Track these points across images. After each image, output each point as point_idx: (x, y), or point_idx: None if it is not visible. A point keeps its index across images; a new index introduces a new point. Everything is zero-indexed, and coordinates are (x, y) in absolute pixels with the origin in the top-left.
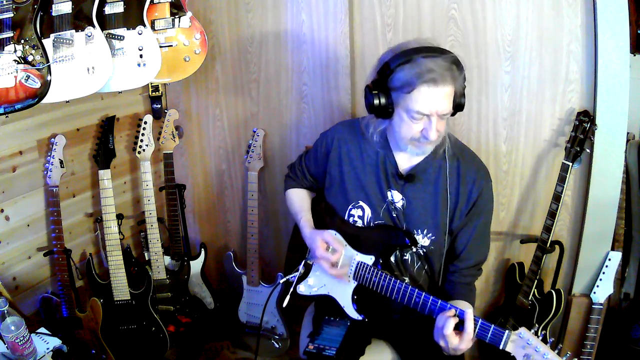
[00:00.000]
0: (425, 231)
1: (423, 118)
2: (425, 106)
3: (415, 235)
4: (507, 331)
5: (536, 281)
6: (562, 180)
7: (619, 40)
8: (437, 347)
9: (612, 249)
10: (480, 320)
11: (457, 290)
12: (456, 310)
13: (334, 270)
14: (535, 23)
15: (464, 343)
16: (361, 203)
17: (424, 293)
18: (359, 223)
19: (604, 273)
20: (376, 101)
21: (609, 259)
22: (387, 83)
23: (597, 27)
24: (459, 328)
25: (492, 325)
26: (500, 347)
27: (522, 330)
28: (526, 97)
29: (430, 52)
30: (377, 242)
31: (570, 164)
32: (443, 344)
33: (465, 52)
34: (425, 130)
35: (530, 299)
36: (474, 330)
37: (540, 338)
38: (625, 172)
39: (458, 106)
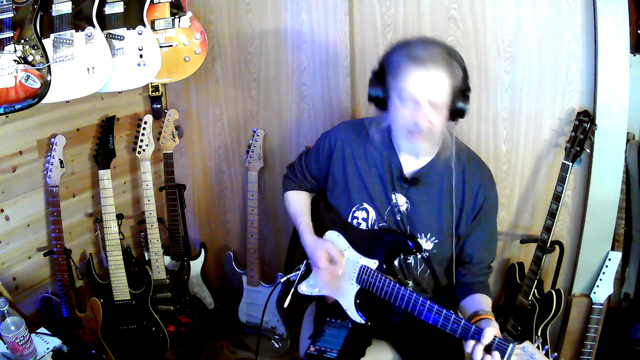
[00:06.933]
0: (429, 235)
1: (413, 102)
2: (414, 87)
3: (418, 239)
4: (511, 344)
5: (536, 281)
6: (562, 180)
7: (619, 40)
8: (437, 348)
9: (612, 249)
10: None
11: (472, 288)
12: (480, 334)
13: (336, 282)
14: (535, 23)
15: None
16: (365, 205)
17: (428, 301)
18: (363, 225)
19: (604, 273)
20: (373, 88)
21: (609, 259)
22: (383, 70)
23: (597, 27)
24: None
25: (497, 338)
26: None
27: (527, 344)
28: (526, 97)
29: (427, 40)
30: (381, 246)
31: (570, 164)
32: None
33: (465, 52)
34: (415, 117)
35: (530, 299)
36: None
37: (544, 352)
38: (625, 172)
39: (458, 112)
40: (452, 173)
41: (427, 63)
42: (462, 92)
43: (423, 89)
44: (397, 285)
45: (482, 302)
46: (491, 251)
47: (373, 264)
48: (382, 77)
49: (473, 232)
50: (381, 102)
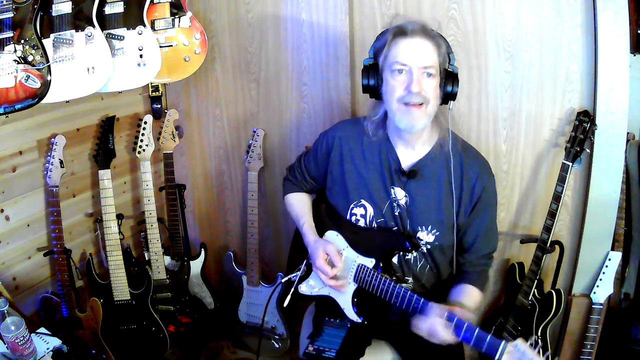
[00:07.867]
0: (429, 228)
1: (405, 73)
2: (403, 56)
3: (419, 232)
4: (503, 342)
5: (536, 281)
6: (562, 180)
7: (619, 40)
8: (437, 347)
9: (612, 249)
10: (477, 330)
11: (466, 277)
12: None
13: (331, 281)
14: (535, 23)
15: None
16: (363, 202)
17: (422, 299)
18: (362, 222)
19: (604, 273)
20: (365, 74)
21: (609, 259)
22: (374, 57)
23: (597, 27)
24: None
25: (489, 336)
26: (496, 358)
27: (519, 342)
28: (526, 97)
29: (408, 18)
30: (378, 244)
31: (570, 164)
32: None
33: (465, 52)
34: (408, 84)
35: (530, 299)
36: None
37: (536, 350)
38: (625, 172)
39: (450, 94)
40: (451, 162)
41: (412, 33)
42: (449, 72)
43: (411, 55)
44: (393, 283)
45: (462, 293)
46: (490, 241)
47: (370, 262)
48: (374, 65)
49: (472, 223)
50: (375, 91)
